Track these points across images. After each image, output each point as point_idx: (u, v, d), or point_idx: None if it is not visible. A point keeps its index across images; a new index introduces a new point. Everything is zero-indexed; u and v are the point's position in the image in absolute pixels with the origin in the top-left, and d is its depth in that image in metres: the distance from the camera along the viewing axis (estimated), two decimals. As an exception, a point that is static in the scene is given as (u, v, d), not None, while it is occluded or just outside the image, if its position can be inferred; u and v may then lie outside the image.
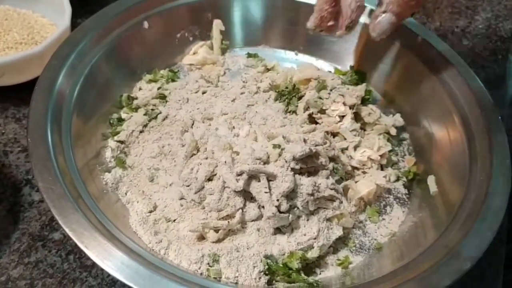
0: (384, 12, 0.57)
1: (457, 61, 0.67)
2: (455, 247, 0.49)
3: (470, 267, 0.47)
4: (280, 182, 0.52)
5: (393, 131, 0.66)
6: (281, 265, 0.51)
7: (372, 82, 0.72)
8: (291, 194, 0.53)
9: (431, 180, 0.61)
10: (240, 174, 0.52)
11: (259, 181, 0.52)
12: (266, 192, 0.51)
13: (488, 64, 0.85)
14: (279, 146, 0.54)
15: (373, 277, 0.51)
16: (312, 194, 0.53)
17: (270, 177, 0.52)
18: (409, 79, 0.69)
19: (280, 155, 0.53)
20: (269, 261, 0.51)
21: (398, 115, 0.68)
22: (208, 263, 0.50)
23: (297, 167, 0.53)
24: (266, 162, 0.53)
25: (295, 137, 0.56)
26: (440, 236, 0.52)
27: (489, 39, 0.89)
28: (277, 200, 0.51)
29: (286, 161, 0.53)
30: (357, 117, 0.66)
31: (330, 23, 0.60)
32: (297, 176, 0.53)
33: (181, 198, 0.55)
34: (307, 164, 0.54)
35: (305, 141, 0.56)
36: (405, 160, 0.66)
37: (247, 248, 0.52)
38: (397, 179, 0.64)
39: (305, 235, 0.53)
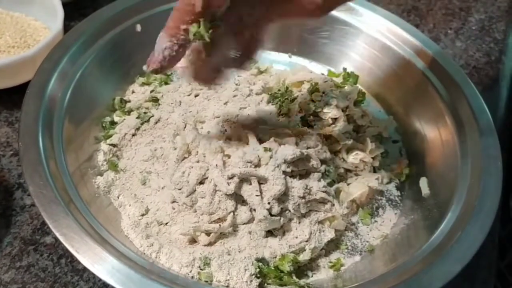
0: None
1: (449, 63, 0.67)
2: (446, 249, 0.49)
3: (461, 269, 0.48)
4: (271, 185, 0.52)
5: (386, 133, 0.67)
6: (272, 268, 0.51)
7: (364, 84, 0.72)
8: (282, 197, 0.53)
9: (423, 182, 0.61)
10: (231, 177, 0.52)
11: (251, 184, 0.52)
12: (257, 195, 0.51)
13: (481, 65, 0.85)
14: (270, 149, 0.54)
15: (365, 279, 0.51)
16: (304, 197, 0.53)
17: (261, 180, 0.52)
18: (402, 81, 0.69)
19: (271, 158, 0.53)
20: (260, 264, 0.51)
21: (391, 117, 0.68)
22: (199, 266, 0.50)
23: (289, 170, 0.53)
24: (258, 165, 0.53)
25: (287, 140, 0.56)
26: (432, 238, 0.52)
27: (483, 41, 0.89)
28: (269, 203, 0.52)
29: (277, 164, 0.53)
30: (349, 119, 0.66)
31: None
32: (288, 179, 0.53)
33: (173, 201, 0.55)
34: (299, 167, 0.54)
35: (297, 144, 0.56)
36: (398, 162, 0.66)
37: (239, 251, 0.52)
38: (390, 181, 0.64)
39: (296, 237, 0.53)
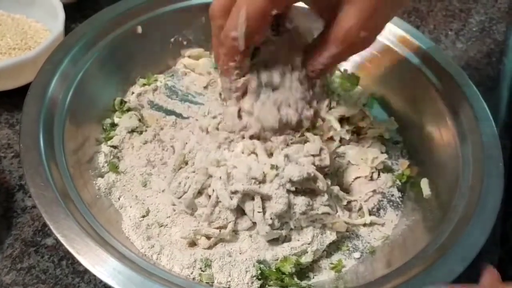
0: None
1: (450, 64, 0.67)
2: (447, 250, 0.49)
3: (463, 270, 0.47)
4: (274, 203, 0.51)
5: (387, 135, 0.66)
6: (274, 270, 0.51)
7: (365, 86, 0.72)
8: (283, 213, 0.52)
9: (424, 183, 0.61)
10: (234, 192, 0.51)
11: (253, 199, 0.51)
12: (259, 212, 0.51)
13: (482, 66, 0.85)
14: (276, 167, 0.52)
15: (366, 281, 0.51)
16: (305, 213, 0.52)
17: (264, 197, 0.51)
18: (402, 82, 0.69)
19: (277, 175, 0.52)
20: (261, 265, 0.51)
21: (391, 119, 0.68)
22: (201, 268, 0.50)
23: (293, 188, 0.52)
24: (262, 181, 0.52)
25: (295, 158, 0.54)
26: (433, 239, 0.52)
27: (483, 42, 0.89)
28: (271, 218, 0.51)
29: (282, 183, 0.51)
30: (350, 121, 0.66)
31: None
32: (291, 195, 0.52)
33: (174, 204, 0.55)
34: (303, 186, 0.53)
35: (314, 162, 0.54)
36: (399, 163, 0.66)
37: (240, 253, 0.51)
38: (392, 183, 0.64)
39: (298, 240, 0.53)
